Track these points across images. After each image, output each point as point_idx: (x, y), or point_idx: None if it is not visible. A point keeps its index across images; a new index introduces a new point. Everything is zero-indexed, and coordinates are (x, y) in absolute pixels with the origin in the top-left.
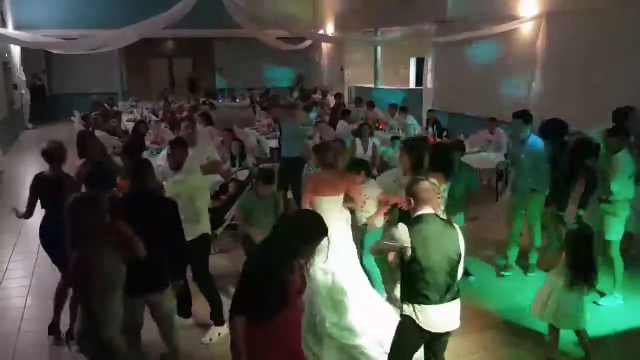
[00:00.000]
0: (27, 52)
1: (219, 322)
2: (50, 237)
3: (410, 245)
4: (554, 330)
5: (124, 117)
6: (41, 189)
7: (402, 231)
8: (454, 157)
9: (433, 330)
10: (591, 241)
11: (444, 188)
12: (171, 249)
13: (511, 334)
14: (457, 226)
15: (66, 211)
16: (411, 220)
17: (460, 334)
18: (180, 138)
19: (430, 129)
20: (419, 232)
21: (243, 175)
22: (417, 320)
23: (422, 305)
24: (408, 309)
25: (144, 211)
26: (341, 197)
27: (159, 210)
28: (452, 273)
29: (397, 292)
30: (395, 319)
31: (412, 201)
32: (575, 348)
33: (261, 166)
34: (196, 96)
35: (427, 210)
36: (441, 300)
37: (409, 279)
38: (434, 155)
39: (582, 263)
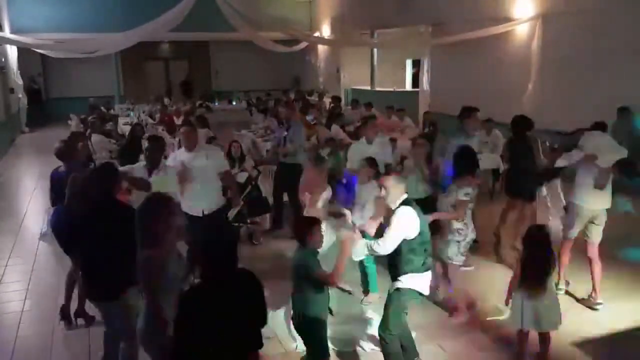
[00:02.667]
0: (24, 56)
1: None
2: (66, 233)
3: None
4: (522, 333)
5: (121, 120)
6: (56, 185)
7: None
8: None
9: (426, 293)
10: (547, 241)
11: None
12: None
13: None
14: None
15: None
16: (404, 202)
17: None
18: (154, 136)
19: (427, 130)
20: (418, 216)
21: (242, 177)
22: (418, 289)
23: (418, 273)
24: (406, 281)
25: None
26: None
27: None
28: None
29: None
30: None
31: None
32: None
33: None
34: (191, 99)
35: (404, 194)
36: (427, 269)
37: (409, 255)
38: (461, 158)
39: (536, 263)
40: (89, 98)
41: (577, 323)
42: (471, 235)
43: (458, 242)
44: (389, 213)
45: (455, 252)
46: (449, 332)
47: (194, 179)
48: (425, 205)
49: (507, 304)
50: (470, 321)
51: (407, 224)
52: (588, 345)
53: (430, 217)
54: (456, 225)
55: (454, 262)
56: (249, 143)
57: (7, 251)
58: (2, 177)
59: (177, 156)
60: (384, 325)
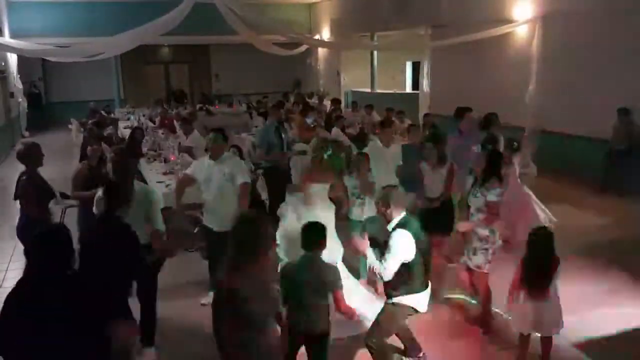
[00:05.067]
0: (24, 60)
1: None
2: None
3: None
4: (524, 336)
5: (121, 124)
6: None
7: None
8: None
9: (422, 311)
10: (551, 243)
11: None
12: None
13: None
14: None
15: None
16: (400, 224)
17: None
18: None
19: (428, 133)
20: (414, 235)
21: None
22: (414, 306)
23: (418, 294)
24: (406, 300)
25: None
26: (326, 187)
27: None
28: (428, 265)
29: None
30: (372, 301)
31: (391, 207)
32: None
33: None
34: (184, 106)
35: (403, 212)
36: (426, 287)
37: (407, 276)
38: (489, 162)
39: (538, 266)
40: (89, 102)
41: (579, 324)
42: (499, 241)
43: (486, 249)
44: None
45: (484, 261)
46: (450, 334)
47: (208, 191)
48: (440, 209)
49: (509, 306)
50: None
51: (404, 248)
52: (590, 346)
53: (461, 227)
54: (482, 232)
55: (484, 271)
56: (249, 146)
57: (7, 256)
58: (1, 182)
59: (202, 162)
60: (371, 334)
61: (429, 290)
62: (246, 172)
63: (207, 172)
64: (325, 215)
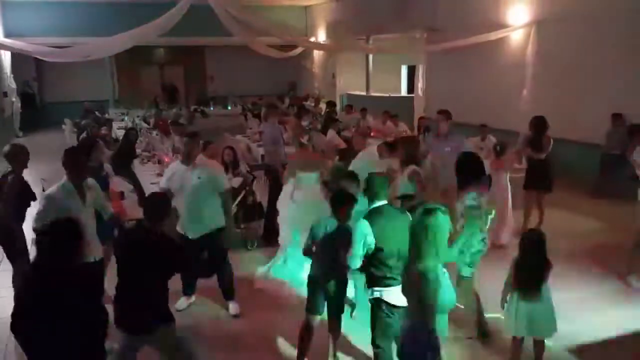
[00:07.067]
0: (18, 60)
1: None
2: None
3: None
4: (516, 340)
5: (115, 125)
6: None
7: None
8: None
9: (399, 304)
10: (543, 245)
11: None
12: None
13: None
14: (408, 214)
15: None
16: (370, 212)
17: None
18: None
19: (422, 136)
20: (377, 223)
21: (237, 182)
22: (388, 300)
23: (389, 288)
24: (377, 292)
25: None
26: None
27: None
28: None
29: None
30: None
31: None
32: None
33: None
34: (174, 105)
35: (381, 202)
36: (389, 285)
37: (374, 266)
38: (469, 165)
39: (530, 268)
40: (83, 102)
41: (573, 329)
42: (477, 246)
43: (462, 251)
44: None
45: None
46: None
47: (182, 198)
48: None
49: (502, 307)
50: None
51: (359, 237)
52: (584, 351)
53: None
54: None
55: (465, 276)
56: (244, 148)
57: None
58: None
59: (175, 170)
60: (373, 339)
61: (393, 289)
62: (225, 178)
63: (180, 178)
64: (315, 201)
